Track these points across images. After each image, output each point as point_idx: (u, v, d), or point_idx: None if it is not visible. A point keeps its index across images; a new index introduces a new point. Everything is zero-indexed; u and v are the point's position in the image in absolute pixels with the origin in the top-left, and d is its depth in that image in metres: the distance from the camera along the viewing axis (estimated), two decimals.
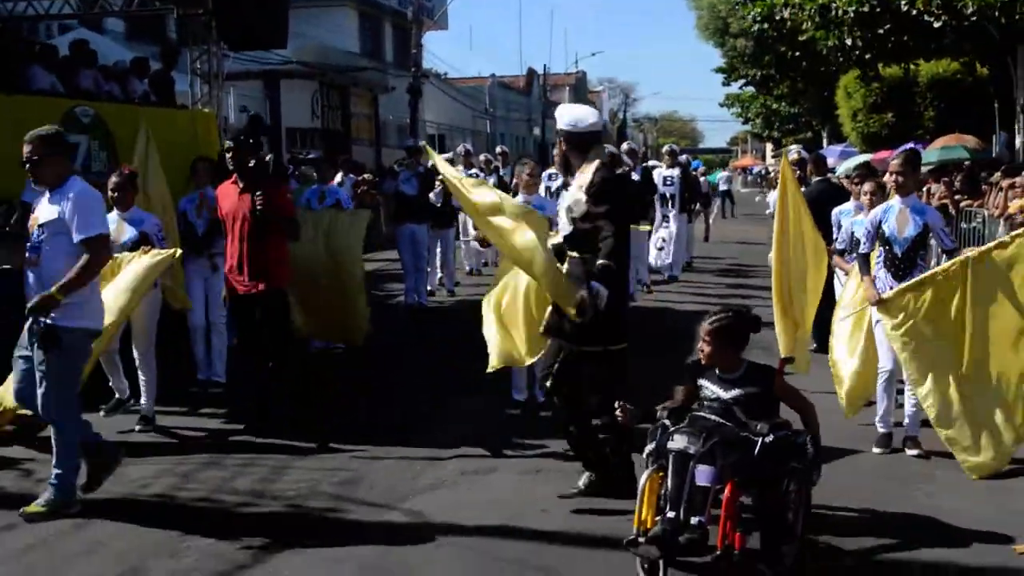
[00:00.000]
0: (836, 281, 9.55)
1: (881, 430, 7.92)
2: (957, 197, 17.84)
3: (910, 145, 18.33)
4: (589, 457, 6.71)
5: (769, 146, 68.56)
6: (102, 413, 8.70)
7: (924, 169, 21.68)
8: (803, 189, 11.12)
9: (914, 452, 7.69)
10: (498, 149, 21.67)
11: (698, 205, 22.86)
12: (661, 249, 17.77)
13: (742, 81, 49.28)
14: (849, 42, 21.90)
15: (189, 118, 14.80)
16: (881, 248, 7.93)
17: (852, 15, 21.52)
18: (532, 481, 7.09)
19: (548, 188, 14.16)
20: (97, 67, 14.23)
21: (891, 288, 7.69)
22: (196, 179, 10.33)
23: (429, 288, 15.97)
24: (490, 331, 7.83)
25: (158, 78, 15.30)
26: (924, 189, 19.09)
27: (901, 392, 7.98)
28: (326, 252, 10.52)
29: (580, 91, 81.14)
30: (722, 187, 40.85)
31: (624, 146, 17.42)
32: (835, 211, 9.81)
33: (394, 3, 43.94)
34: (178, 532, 6.16)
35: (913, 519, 6.35)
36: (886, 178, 8.62)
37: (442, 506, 6.57)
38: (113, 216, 8.52)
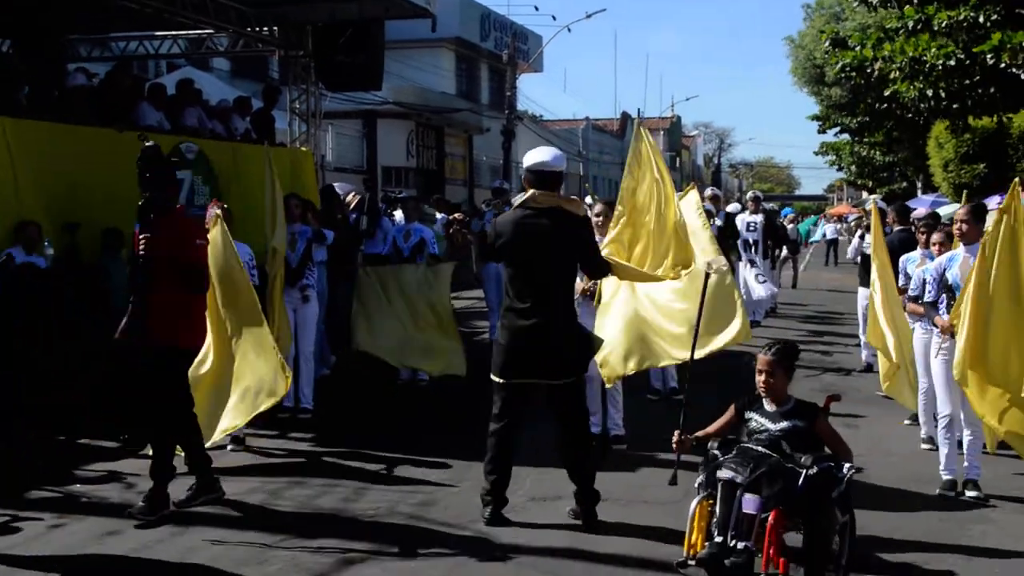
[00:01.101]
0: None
1: (946, 476, 8.05)
2: None
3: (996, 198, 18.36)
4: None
5: (864, 194, 68.03)
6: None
7: None
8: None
9: (973, 494, 7.87)
10: (587, 199, 22.09)
11: (784, 251, 23.05)
12: (764, 282, 17.98)
13: (837, 129, 49.26)
14: (931, 93, 21.98)
15: (288, 156, 15.53)
16: (944, 295, 8.20)
17: (941, 67, 21.61)
18: (602, 507, 7.45)
19: None
20: (201, 105, 14.98)
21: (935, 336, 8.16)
22: (288, 215, 10.76)
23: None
24: None
25: (259, 117, 16.05)
26: None
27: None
28: (422, 302, 11.42)
29: (674, 135, 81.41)
30: (830, 236, 41.08)
31: (708, 192, 17.77)
32: (902, 259, 10.05)
33: (490, 46, 44.75)
34: (264, 544, 6.67)
35: (963, 557, 6.56)
36: (953, 228, 8.86)
37: (510, 528, 6.98)
38: None
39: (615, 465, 8.33)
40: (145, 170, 7.47)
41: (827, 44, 25.01)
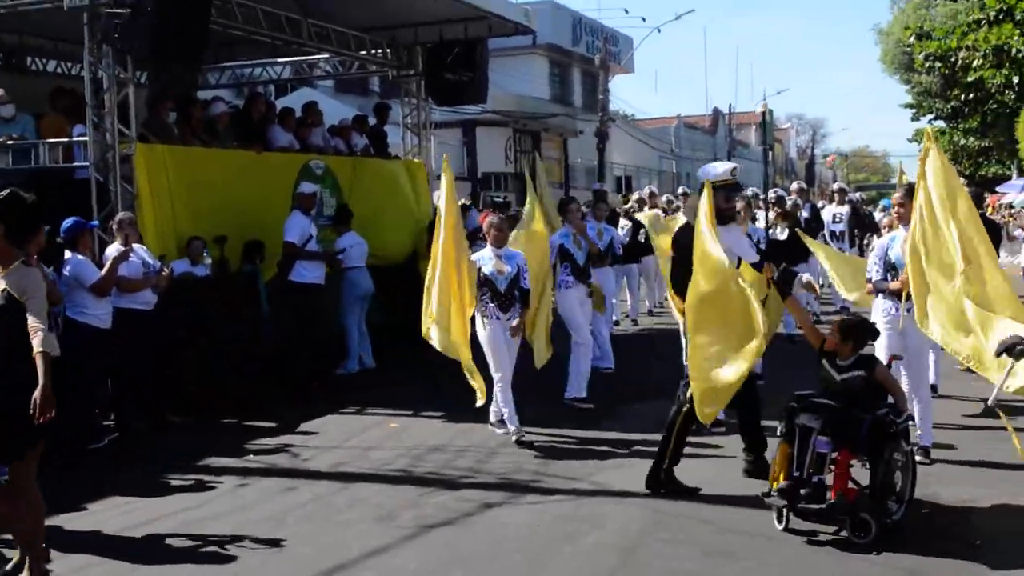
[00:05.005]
0: None
1: None
2: None
3: None
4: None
5: (961, 181, 67.59)
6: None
7: None
8: None
9: (919, 458, 8.10)
10: (680, 190, 23.12)
11: (873, 240, 23.73)
12: None
13: (931, 116, 49.31)
14: (1016, 79, 22.61)
15: (403, 167, 16.95)
16: (888, 274, 8.69)
17: None
18: (700, 462, 8.54)
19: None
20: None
21: (895, 311, 8.44)
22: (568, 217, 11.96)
23: (615, 318, 17.21)
24: None
25: (374, 133, 17.43)
26: None
27: None
28: None
29: (766, 128, 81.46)
30: None
31: (793, 185, 18.71)
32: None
33: (582, 50, 45.91)
34: (416, 494, 8.00)
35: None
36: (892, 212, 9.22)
37: (622, 479, 8.20)
38: (489, 253, 9.81)
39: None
40: None
41: (911, 39, 25.78)
